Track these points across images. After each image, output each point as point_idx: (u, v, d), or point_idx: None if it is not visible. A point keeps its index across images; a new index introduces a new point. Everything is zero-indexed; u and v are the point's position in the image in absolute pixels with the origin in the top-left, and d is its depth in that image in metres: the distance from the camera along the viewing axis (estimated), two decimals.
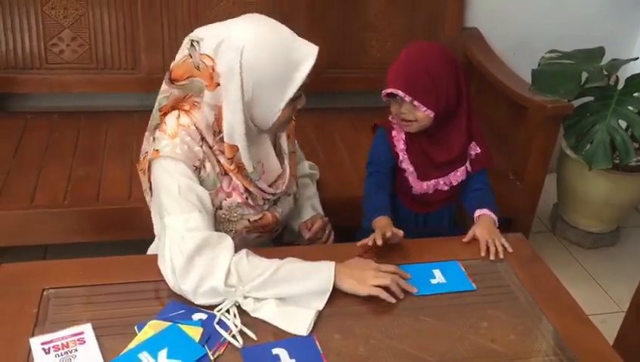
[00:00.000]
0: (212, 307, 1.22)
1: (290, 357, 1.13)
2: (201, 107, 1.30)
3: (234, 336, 1.16)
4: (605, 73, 2.39)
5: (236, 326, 1.17)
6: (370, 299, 1.27)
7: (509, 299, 1.35)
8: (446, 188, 1.66)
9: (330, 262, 1.28)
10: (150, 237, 1.58)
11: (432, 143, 1.62)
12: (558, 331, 1.25)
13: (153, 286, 1.26)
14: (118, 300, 1.24)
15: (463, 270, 1.40)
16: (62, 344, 1.10)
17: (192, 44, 1.28)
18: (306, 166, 1.73)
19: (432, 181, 1.64)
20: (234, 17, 2.51)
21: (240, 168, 1.35)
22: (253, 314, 1.21)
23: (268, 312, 1.21)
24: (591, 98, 2.44)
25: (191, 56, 1.28)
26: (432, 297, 1.32)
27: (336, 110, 2.63)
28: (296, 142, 1.71)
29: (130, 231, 1.95)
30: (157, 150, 1.29)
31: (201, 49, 1.27)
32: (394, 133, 1.64)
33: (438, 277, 1.37)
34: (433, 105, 1.52)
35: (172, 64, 1.33)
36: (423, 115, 1.53)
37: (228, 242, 1.26)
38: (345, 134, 2.46)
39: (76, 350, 1.10)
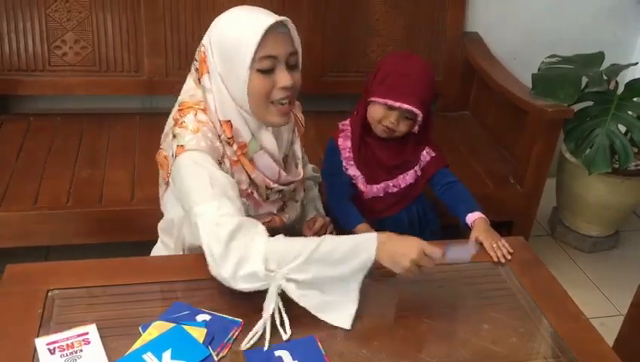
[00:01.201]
0: (215, 308, 1.22)
1: (293, 359, 1.13)
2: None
3: (282, 324, 1.17)
4: (605, 78, 2.41)
5: (281, 315, 1.17)
6: (371, 301, 1.28)
7: (510, 302, 1.36)
8: (395, 190, 1.70)
9: (372, 240, 1.22)
10: (153, 239, 1.59)
11: (384, 147, 1.67)
12: (559, 333, 1.26)
13: (157, 287, 1.27)
14: (123, 301, 1.24)
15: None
16: (67, 344, 1.11)
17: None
18: (309, 169, 1.74)
19: (382, 184, 1.70)
20: None
21: (243, 151, 1.36)
22: (298, 302, 1.19)
23: (312, 301, 1.20)
24: (591, 103, 2.45)
25: (199, 51, 1.36)
26: (434, 299, 1.33)
27: (338, 113, 2.61)
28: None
29: (133, 233, 1.96)
30: (182, 145, 1.29)
31: (203, 39, 1.36)
32: (340, 141, 1.71)
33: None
34: (423, 117, 1.60)
35: (195, 63, 1.39)
36: (409, 127, 1.61)
37: (261, 227, 1.24)
38: None
39: (81, 350, 1.10)
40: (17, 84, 2.36)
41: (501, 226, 2.26)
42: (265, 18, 1.27)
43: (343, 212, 1.68)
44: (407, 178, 1.70)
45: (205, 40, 1.34)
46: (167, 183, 1.39)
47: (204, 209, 1.23)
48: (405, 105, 1.56)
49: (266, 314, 1.17)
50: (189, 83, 1.40)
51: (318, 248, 1.20)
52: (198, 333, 1.16)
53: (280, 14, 1.19)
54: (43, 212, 1.90)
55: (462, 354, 1.19)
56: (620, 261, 2.70)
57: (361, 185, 1.71)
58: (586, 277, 2.57)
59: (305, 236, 1.59)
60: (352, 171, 1.70)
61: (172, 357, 1.10)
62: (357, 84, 2.63)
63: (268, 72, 1.29)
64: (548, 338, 1.27)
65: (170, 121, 1.40)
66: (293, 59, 1.32)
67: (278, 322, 1.18)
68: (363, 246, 1.22)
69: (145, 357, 1.10)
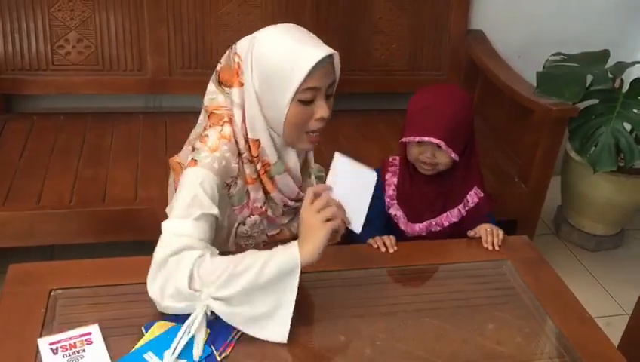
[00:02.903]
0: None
1: None
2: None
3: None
4: (610, 76, 2.40)
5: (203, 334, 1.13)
6: (376, 301, 1.27)
7: (515, 301, 1.35)
8: (438, 228, 1.65)
9: (291, 243, 1.17)
10: (157, 238, 1.58)
11: (431, 181, 1.62)
12: (564, 333, 1.25)
13: None
14: (126, 301, 1.25)
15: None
16: (69, 344, 1.11)
17: (231, 46, 1.34)
18: (315, 169, 1.73)
19: (425, 223, 1.65)
20: (239, 20, 2.55)
21: (266, 169, 1.35)
22: (228, 321, 1.16)
23: (241, 317, 1.15)
24: (596, 101, 2.44)
25: (229, 57, 1.34)
26: (438, 299, 1.32)
27: (342, 112, 2.61)
28: None
29: (137, 232, 1.95)
30: (195, 160, 1.28)
31: (236, 48, 1.33)
32: (387, 176, 1.67)
33: None
34: (459, 150, 1.55)
35: (218, 66, 1.37)
36: (449, 158, 1.55)
37: (208, 252, 1.19)
38: (350, 136, 2.47)
39: (84, 350, 1.10)
40: (21, 84, 2.36)
41: (506, 225, 2.26)
42: (314, 51, 1.24)
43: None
44: (451, 217, 1.64)
45: (244, 53, 1.30)
46: (176, 188, 1.39)
47: (167, 225, 1.23)
48: (426, 138, 1.51)
49: (188, 332, 1.13)
50: (211, 85, 1.38)
51: (242, 260, 1.15)
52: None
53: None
54: (46, 211, 1.91)
55: (466, 354, 1.19)
56: (625, 260, 2.69)
57: (402, 224, 1.65)
58: (591, 276, 2.56)
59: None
60: (394, 210, 1.65)
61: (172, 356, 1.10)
62: (361, 83, 2.65)
63: (308, 102, 1.27)
64: (553, 338, 1.27)
65: (198, 128, 1.39)
66: (331, 89, 1.31)
67: (199, 342, 1.12)
68: (284, 247, 1.17)
69: (146, 356, 1.10)
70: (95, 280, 1.28)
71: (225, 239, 1.40)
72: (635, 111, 2.38)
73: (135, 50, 2.40)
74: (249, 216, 1.39)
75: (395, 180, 1.67)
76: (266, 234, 1.45)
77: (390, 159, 1.70)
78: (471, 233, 1.53)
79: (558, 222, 2.81)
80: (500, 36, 2.69)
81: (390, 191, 1.66)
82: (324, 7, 2.47)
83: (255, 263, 1.14)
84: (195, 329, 1.13)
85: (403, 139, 1.58)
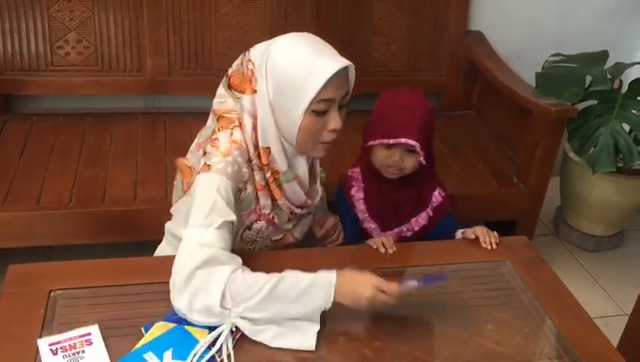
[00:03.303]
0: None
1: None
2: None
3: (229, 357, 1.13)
4: (609, 77, 2.40)
5: (228, 349, 1.13)
6: None
7: (514, 302, 1.35)
8: (409, 234, 1.64)
9: (330, 279, 1.18)
10: (156, 239, 1.59)
11: (400, 189, 1.60)
12: (563, 334, 1.25)
13: (160, 288, 1.26)
14: (125, 301, 1.25)
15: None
16: (69, 345, 1.11)
17: (244, 53, 1.33)
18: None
19: (396, 230, 1.63)
20: (238, 20, 2.55)
21: (275, 177, 1.35)
22: (253, 337, 1.16)
23: (267, 335, 1.16)
24: (595, 101, 2.44)
25: (242, 64, 1.33)
26: (437, 299, 1.32)
27: None
28: None
29: (136, 233, 1.95)
30: (208, 165, 1.28)
31: (250, 55, 1.32)
32: (353, 192, 1.63)
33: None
34: (426, 152, 1.52)
35: (229, 70, 1.36)
36: (416, 162, 1.53)
37: (235, 262, 1.21)
38: (349, 137, 2.45)
39: (83, 351, 1.10)
40: (20, 84, 2.36)
41: (505, 226, 2.26)
42: (330, 62, 1.24)
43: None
44: (420, 220, 1.64)
45: (258, 60, 1.30)
46: (185, 190, 1.39)
47: (190, 233, 1.22)
48: (403, 140, 1.48)
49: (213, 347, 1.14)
50: (221, 89, 1.38)
51: (277, 286, 1.16)
52: (200, 334, 1.16)
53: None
54: (46, 212, 1.90)
55: (465, 355, 1.19)
56: (624, 260, 2.69)
57: (376, 235, 1.62)
58: (590, 276, 2.56)
59: (315, 234, 1.60)
60: (367, 224, 1.63)
61: (173, 357, 1.10)
62: (360, 84, 2.62)
63: (321, 113, 1.28)
64: (552, 339, 1.27)
65: (206, 131, 1.39)
66: (345, 99, 1.32)
67: (225, 356, 1.13)
68: (321, 284, 1.18)
69: (146, 356, 1.10)
70: (95, 280, 1.28)
71: None
72: (634, 111, 2.38)
73: (134, 50, 2.40)
74: (256, 222, 1.39)
75: (361, 194, 1.63)
76: (270, 239, 1.45)
77: (349, 173, 1.66)
78: (471, 236, 1.53)
79: (557, 222, 2.81)
80: (499, 37, 2.69)
81: (360, 205, 1.63)
82: (324, 7, 2.47)
83: (288, 296, 1.16)
84: (220, 344, 1.14)
85: (373, 143, 1.53)
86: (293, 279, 1.18)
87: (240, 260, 1.22)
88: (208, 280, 1.16)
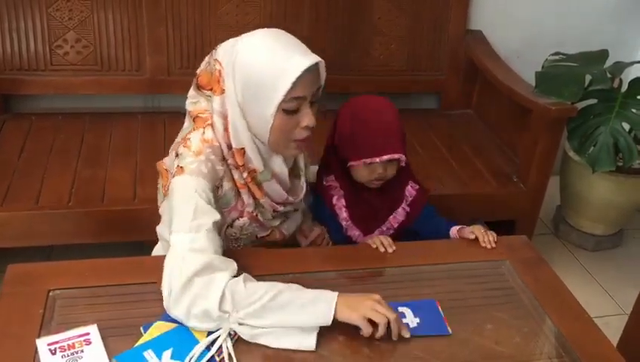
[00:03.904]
0: None
1: (415, 316, 1.24)
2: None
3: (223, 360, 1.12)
4: (609, 76, 2.40)
5: (228, 350, 1.13)
6: None
7: (513, 301, 1.35)
8: (391, 232, 1.63)
9: (332, 296, 1.17)
10: (155, 239, 1.58)
11: (378, 194, 1.60)
12: (563, 333, 1.25)
13: (159, 288, 1.26)
14: (124, 301, 1.24)
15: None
16: (68, 345, 1.10)
17: (211, 52, 1.31)
18: (311, 171, 1.70)
19: (377, 231, 1.63)
20: (238, 20, 2.55)
21: (252, 176, 1.34)
22: (251, 341, 1.15)
23: (268, 337, 1.15)
24: (594, 101, 2.44)
25: (209, 63, 1.31)
26: (436, 299, 1.31)
27: None
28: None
29: (135, 232, 1.95)
30: (181, 167, 1.27)
31: (216, 54, 1.30)
32: (334, 200, 1.61)
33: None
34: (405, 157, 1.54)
35: (198, 70, 1.35)
36: (397, 166, 1.54)
37: (231, 267, 1.20)
38: None
39: (82, 351, 1.10)
40: (19, 84, 2.36)
41: (504, 225, 2.26)
42: (299, 60, 1.22)
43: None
44: (398, 217, 1.63)
45: (225, 60, 1.28)
46: (165, 194, 1.38)
47: (178, 239, 1.21)
48: (388, 156, 1.49)
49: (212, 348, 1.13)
50: (191, 90, 1.37)
51: (278, 296, 1.15)
52: (200, 334, 1.16)
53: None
54: (45, 211, 1.90)
55: (465, 354, 1.19)
56: (623, 260, 2.69)
57: (360, 240, 1.62)
58: (589, 276, 2.56)
59: (300, 244, 1.58)
60: (352, 231, 1.62)
61: (172, 357, 1.10)
62: (359, 83, 2.64)
63: (293, 112, 1.26)
64: (551, 338, 1.26)
65: (183, 133, 1.37)
66: (317, 95, 1.29)
67: (225, 356, 1.13)
68: (324, 298, 1.17)
69: (145, 354, 1.10)
70: (94, 280, 1.28)
71: None
72: (634, 110, 2.38)
73: (134, 50, 2.39)
74: (237, 219, 1.38)
75: (342, 202, 1.61)
76: (256, 236, 1.44)
77: (325, 183, 1.63)
78: (470, 236, 1.52)
79: (556, 221, 2.81)
80: (498, 36, 2.69)
81: (343, 213, 1.61)
82: (323, 7, 2.47)
83: (290, 306, 1.15)
84: (219, 345, 1.13)
85: (356, 163, 1.52)
86: (296, 292, 1.18)
87: (235, 264, 1.21)
88: (207, 288, 1.15)
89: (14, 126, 2.33)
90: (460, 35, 2.65)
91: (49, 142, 2.23)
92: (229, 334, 1.15)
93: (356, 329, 1.18)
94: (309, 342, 1.15)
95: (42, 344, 1.10)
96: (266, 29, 1.29)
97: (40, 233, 1.91)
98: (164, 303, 1.17)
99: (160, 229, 1.53)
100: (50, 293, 1.23)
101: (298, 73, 1.20)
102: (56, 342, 1.11)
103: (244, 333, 1.15)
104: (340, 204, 1.61)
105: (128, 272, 1.31)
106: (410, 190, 1.64)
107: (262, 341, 1.15)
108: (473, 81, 2.70)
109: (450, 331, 1.23)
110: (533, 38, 2.76)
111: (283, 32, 1.29)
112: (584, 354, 1.20)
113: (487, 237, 1.50)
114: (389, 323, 1.17)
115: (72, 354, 1.09)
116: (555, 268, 1.46)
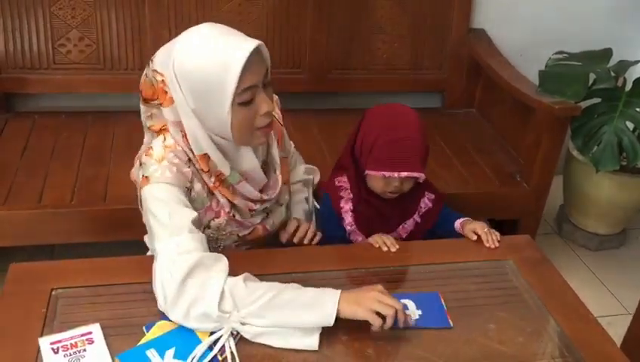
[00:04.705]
0: None
1: (417, 309, 1.25)
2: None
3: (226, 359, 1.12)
4: (613, 75, 2.39)
5: (230, 349, 1.13)
6: None
7: (517, 301, 1.35)
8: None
9: (335, 294, 1.17)
10: None
11: (389, 202, 1.58)
12: (566, 333, 1.25)
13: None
14: (127, 300, 1.24)
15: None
16: (70, 344, 1.10)
17: (148, 63, 1.27)
18: (300, 171, 1.69)
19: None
20: (241, 19, 2.54)
21: (220, 180, 1.32)
22: (254, 340, 1.15)
23: (271, 337, 1.15)
24: (598, 100, 2.43)
25: (146, 75, 1.28)
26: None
27: (342, 111, 2.62)
28: (292, 144, 1.67)
29: (138, 231, 1.92)
30: (146, 176, 1.25)
31: (154, 65, 1.26)
32: (342, 203, 1.60)
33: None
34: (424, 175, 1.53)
35: (139, 84, 1.32)
36: (414, 181, 1.53)
37: (223, 264, 1.19)
38: (347, 133, 2.45)
39: (85, 350, 1.10)
40: (22, 82, 2.36)
41: (507, 224, 2.26)
42: (239, 49, 1.17)
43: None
44: (407, 227, 1.63)
45: (165, 71, 1.23)
46: (140, 205, 1.35)
47: (164, 246, 1.20)
48: (404, 174, 1.47)
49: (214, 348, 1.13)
50: (141, 105, 1.33)
51: (280, 295, 1.15)
52: (204, 334, 1.15)
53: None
54: (47, 210, 1.90)
55: (468, 354, 1.19)
56: (627, 259, 2.68)
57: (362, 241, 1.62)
58: (593, 275, 2.56)
59: (281, 240, 1.53)
60: (355, 236, 1.61)
61: (174, 357, 1.10)
62: (362, 82, 2.64)
63: (249, 102, 1.22)
64: (555, 338, 1.26)
65: (145, 144, 1.35)
66: (267, 77, 1.26)
67: (228, 355, 1.12)
68: (327, 297, 1.16)
69: (148, 353, 1.10)
70: (96, 279, 1.28)
71: None
72: (638, 110, 2.37)
73: (136, 48, 2.39)
74: (213, 219, 1.37)
75: (350, 205, 1.60)
76: (237, 235, 1.43)
77: (336, 183, 1.61)
78: (472, 236, 1.52)
79: (560, 221, 2.81)
80: (502, 35, 2.69)
81: (348, 218, 1.60)
82: (326, 5, 2.46)
83: (292, 305, 1.15)
84: (221, 345, 1.13)
85: (371, 173, 1.51)
86: (298, 291, 1.18)
87: (225, 259, 1.21)
88: (203, 289, 1.14)
89: (17, 124, 2.33)
90: (463, 34, 2.64)
91: (52, 141, 2.24)
92: (232, 333, 1.15)
93: (359, 328, 1.17)
94: (311, 342, 1.15)
95: (45, 343, 1.10)
96: (194, 27, 1.24)
97: (42, 232, 1.91)
98: (160, 308, 1.18)
99: (146, 239, 1.53)
100: (53, 292, 1.23)
101: (242, 64, 1.16)
102: (59, 341, 1.11)
103: (247, 332, 1.15)
104: (346, 207, 1.60)
105: (131, 271, 1.31)
106: (427, 201, 1.63)
107: (264, 340, 1.15)
108: (476, 80, 2.69)
109: (451, 324, 1.24)
110: (536, 36, 2.75)
111: (211, 24, 1.25)
112: (588, 354, 1.20)
113: (490, 237, 1.49)
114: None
115: (75, 353, 1.09)
116: (559, 268, 1.46)
